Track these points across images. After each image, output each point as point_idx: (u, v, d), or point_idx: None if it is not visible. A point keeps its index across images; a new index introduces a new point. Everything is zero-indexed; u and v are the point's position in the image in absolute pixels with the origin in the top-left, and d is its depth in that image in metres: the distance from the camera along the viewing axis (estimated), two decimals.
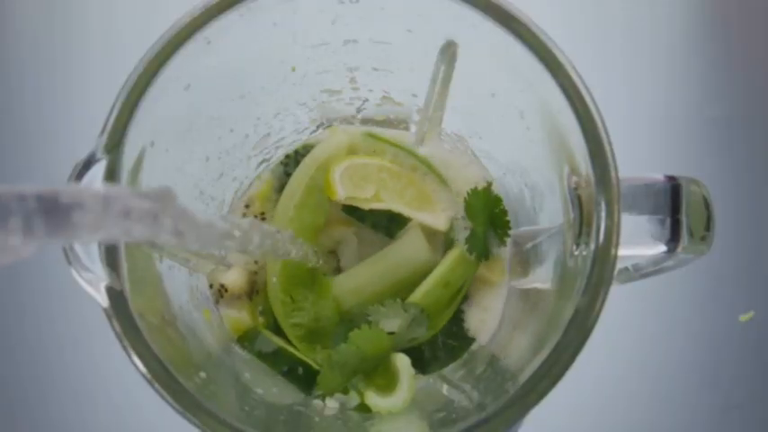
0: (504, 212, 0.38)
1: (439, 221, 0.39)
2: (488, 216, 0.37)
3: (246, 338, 0.38)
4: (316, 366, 0.37)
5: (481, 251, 0.38)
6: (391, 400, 0.35)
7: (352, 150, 0.39)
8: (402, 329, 0.36)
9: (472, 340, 0.38)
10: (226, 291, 0.38)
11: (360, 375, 0.36)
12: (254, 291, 0.39)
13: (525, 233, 0.37)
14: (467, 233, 0.38)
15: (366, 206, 0.38)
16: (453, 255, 0.38)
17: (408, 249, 0.38)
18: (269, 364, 0.37)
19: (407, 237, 0.38)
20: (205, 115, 0.33)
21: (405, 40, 0.33)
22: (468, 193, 0.38)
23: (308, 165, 0.39)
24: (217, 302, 0.38)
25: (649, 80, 0.57)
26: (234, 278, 0.38)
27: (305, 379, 0.37)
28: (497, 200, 0.38)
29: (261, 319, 0.39)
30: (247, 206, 0.40)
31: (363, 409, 0.36)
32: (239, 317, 0.38)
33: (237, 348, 0.37)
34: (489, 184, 0.38)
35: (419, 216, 0.38)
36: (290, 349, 0.37)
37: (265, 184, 0.40)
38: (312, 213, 0.38)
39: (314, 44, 0.34)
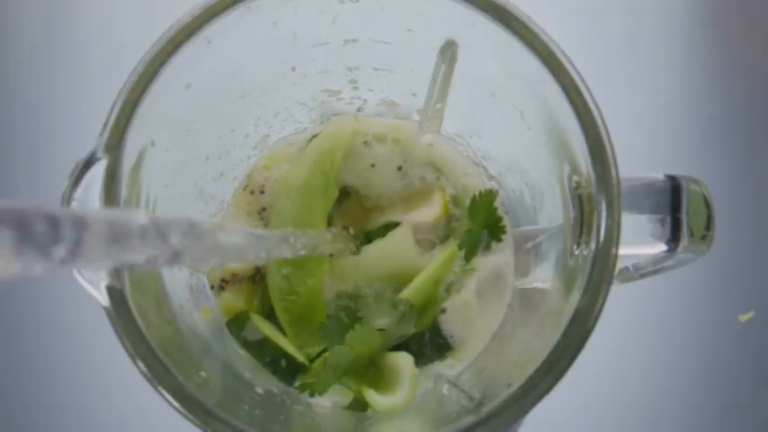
0: (500, 218, 0.38)
1: (430, 212, 0.39)
2: (486, 219, 0.38)
3: (235, 323, 0.38)
4: (300, 359, 0.37)
5: (470, 250, 0.38)
6: (393, 398, 0.35)
7: (355, 135, 0.39)
8: (391, 326, 0.36)
9: (456, 340, 0.38)
10: (227, 282, 0.38)
11: (351, 374, 0.36)
12: (259, 275, 0.39)
13: (525, 232, 0.37)
14: (461, 232, 0.38)
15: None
16: (445, 253, 0.38)
17: (394, 247, 0.38)
18: (253, 354, 0.37)
19: (396, 234, 0.38)
20: (205, 115, 0.33)
21: (405, 40, 0.33)
22: (477, 193, 0.38)
23: (313, 147, 0.39)
24: (219, 293, 0.38)
25: (649, 80, 0.57)
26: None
27: (288, 371, 0.37)
28: (495, 209, 0.38)
29: (256, 303, 0.39)
30: (245, 187, 0.39)
31: (356, 407, 0.36)
32: (235, 301, 0.38)
33: (237, 348, 0.37)
34: (495, 193, 0.38)
35: (412, 217, 0.39)
36: (276, 340, 0.37)
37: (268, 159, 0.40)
38: (316, 198, 0.38)
39: (314, 44, 0.34)
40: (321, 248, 0.34)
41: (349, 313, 0.36)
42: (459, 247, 0.38)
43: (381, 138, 0.39)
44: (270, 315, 0.38)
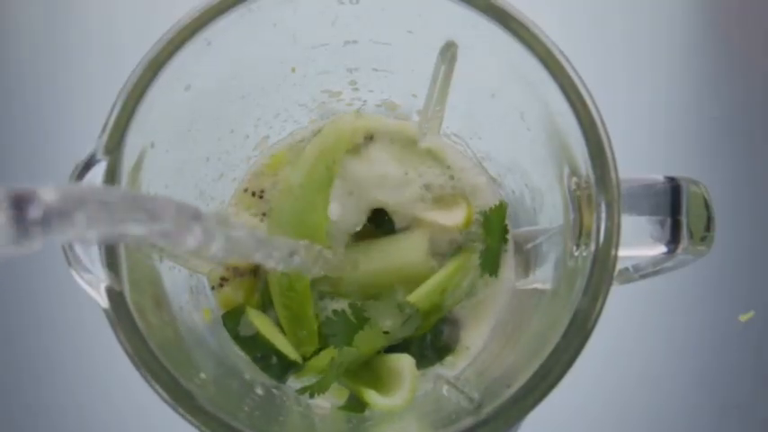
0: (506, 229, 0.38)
1: (451, 218, 0.38)
2: (502, 233, 0.38)
3: (230, 316, 0.38)
4: (292, 356, 0.37)
5: (493, 268, 0.38)
6: (393, 399, 0.35)
7: (356, 132, 0.39)
8: (395, 328, 0.36)
9: (457, 342, 0.38)
10: (227, 280, 0.38)
11: (349, 373, 0.36)
12: (261, 268, 0.39)
13: (525, 233, 0.37)
14: (473, 242, 0.38)
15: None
16: (455, 263, 0.38)
17: (406, 250, 0.38)
18: (243, 348, 0.37)
19: (411, 237, 0.38)
20: (205, 116, 0.33)
21: (405, 41, 0.33)
22: (490, 209, 0.38)
23: (314, 144, 0.38)
24: (218, 290, 0.38)
25: (649, 80, 0.57)
26: None
27: (278, 367, 0.37)
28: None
29: (257, 297, 0.39)
30: (246, 189, 0.39)
31: (352, 408, 0.36)
32: (234, 295, 0.38)
33: (236, 348, 0.37)
34: (505, 205, 0.38)
35: (432, 216, 0.38)
36: (268, 336, 0.37)
37: (270, 159, 0.39)
38: (318, 196, 0.38)
39: (314, 45, 0.34)
40: (315, 267, 0.34)
41: (356, 312, 0.36)
42: (483, 267, 0.38)
43: (383, 140, 0.39)
44: (270, 310, 0.38)
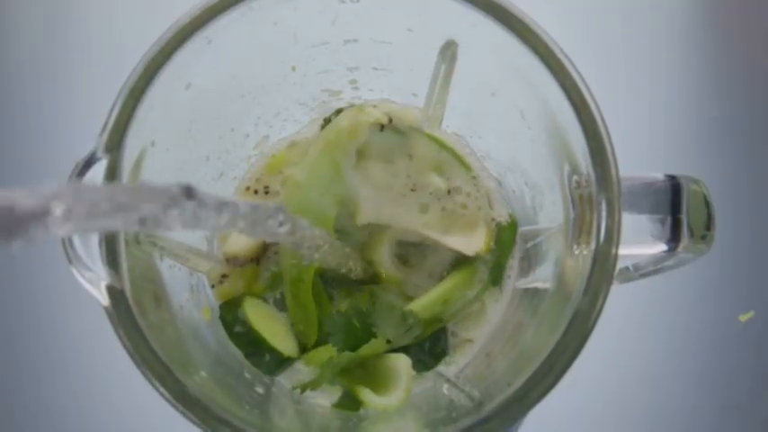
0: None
1: (470, 246, 0.38)
2: (511, 250, 0.38)
3: (228, 307, 0.38)
4: (286, 353, 0.37)
5: (499, 281, 0.38)
6: (389, 398, 0.35)
7: (359, 126, 0.38)
8: (397, 337, 0.36)
9: (455, 348, 0.38)
10: (227, 277, 0.38)
11: (345, 372, 0.36)
12: (266, 255, 0.39)
13: (526, 232, 0.37)
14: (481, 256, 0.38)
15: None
16: (460, 276, 0.38)
17: (370, 249, 0.38)
18: (237, 343, 0.37)
19: (376, 238, 0.38)
20: (205, 115, 0.33)
21: (405, 40, 0.33)
22: (503, 227, 0.38)
23: (317, 140, 0.38)
24: (219, 285, 0.38)
25: (649, 80, 0.57)
26: (246, 242, 0.38)
27: (271, 365, 0.37)
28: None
29: (262, 285, 0.39)
30: (248, 187, 0.39)
31: (346, 406, 0.36)
32: (233, 285, 0.38)
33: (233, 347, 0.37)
34: (516, 223, 0.38)
35: (450, 242, 0.38)
36: (262, 329, 0.37)
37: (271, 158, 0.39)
38: (323, 192, 0.37)
39: (314, 44, 0.34)
40: (323, 250, 0.34)
41: (360, 317, 0.36)
42: (493, 282, 0.38)
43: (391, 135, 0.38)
44: (282, 299, 0.38)
